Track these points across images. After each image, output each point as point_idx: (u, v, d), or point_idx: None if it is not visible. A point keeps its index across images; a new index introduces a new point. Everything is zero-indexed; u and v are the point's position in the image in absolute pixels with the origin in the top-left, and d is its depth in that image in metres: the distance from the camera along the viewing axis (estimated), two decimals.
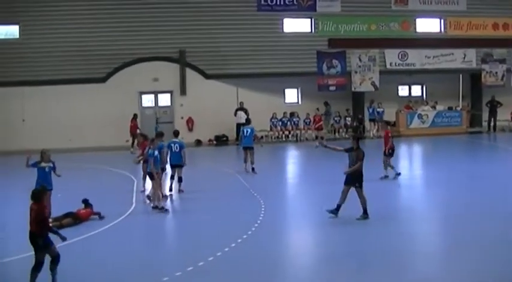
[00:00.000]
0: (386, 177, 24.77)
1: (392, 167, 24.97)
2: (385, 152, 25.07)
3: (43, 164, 18.48)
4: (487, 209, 18.77)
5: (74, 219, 18.13)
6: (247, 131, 28.83)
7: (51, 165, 18.71)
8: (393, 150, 25.22)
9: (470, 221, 17.47)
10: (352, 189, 17.68)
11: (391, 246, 14.92)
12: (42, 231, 12.22)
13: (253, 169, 27.00)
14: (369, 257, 14.33)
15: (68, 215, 18.21)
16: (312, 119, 42.54)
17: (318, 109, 42.23)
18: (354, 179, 17.74)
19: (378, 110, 44.20)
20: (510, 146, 37.68)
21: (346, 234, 16.48)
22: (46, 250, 12.30)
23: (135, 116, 40.36)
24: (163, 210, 19.61)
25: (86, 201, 19.13)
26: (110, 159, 35.14)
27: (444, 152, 35.46)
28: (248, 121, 30.47)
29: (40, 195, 12.61)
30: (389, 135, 25.51)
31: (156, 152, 20.55)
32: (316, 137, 41.48)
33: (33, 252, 12.38)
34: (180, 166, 23.12)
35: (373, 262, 13.89)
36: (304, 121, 43.29)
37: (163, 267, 13.55)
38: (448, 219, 18.11)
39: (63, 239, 12.59)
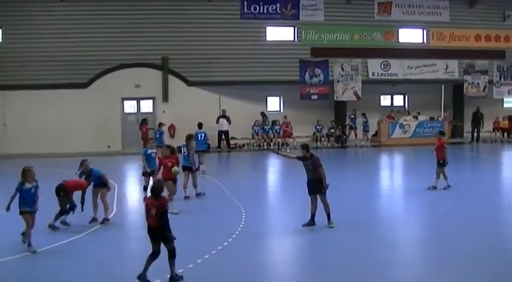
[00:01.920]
0: (434, 188, 24.10)
1: (446, 178, 24.51)
2: (439, 162, 24.68)
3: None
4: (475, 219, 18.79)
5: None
6: (201, 136, 29.57)
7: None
8: (446, 161, 24.78)
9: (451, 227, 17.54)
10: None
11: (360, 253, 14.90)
12: (165, 225, 12.66)
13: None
14: (348, 264, 14.27)
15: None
16: (279, 127, 43.38)
17: (285, 117, 43.79)
18: (317, 187, 17.73)
19: (364, 119, 44.44)
20: (493, 156, 37.93)
21: (324, 239, 16.47)
22: (168, 241, 12.73)
23: (145, 121, 40.48)
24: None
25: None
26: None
27: (427, 162, 35.46)
28: (200, 125, 31.33)
29: (159, 191, 13.01)
30: (444, 145, 25.09)
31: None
32: (283, 144, 41.95)
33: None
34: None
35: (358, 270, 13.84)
36: (274, 129, 43.57)
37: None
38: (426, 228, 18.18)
39: (174, 238, 12.87)
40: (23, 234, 15.80)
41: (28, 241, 15.38)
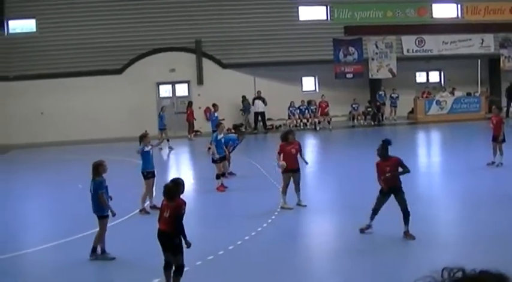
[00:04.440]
0: (493, 163, 23.77)
1: (502, 154, 24.03)
2: (496, 138, 24.30)
3: (145, 148, 18.66)
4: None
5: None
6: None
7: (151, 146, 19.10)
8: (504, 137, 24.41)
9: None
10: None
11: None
12: (178, 231, 11.14)
13: None
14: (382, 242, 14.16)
15: None
16: (317, 105, 43.02)
17: (323, 95, 43.13)
18: None
19: (393, 95, 44.23)
20: None
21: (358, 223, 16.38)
22: (177, 253, 11.26)
23: (190, 104, 40.75)
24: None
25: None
26: (129, 150, 35.17)
27: (464, 139, 35.16)
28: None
29: (174, 191, 11.36)
30: (503, 121, 24.74)
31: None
32: (319, 122, 41.85)
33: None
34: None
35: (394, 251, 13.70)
36: (310, 109, 43.26)
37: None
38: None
39: (189, 245, 11.22)
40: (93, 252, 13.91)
41: (102, 247, 13.95)
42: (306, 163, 19.53)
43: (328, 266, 13.49)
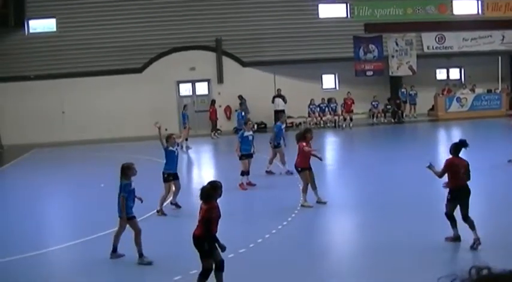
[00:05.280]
0: None
1: None
2: None
3: (170, 148, 18.39)
4: None
5: None
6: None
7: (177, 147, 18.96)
8: None
9: None
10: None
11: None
12: (206, 234, 10.93)
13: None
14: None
15: None
16: (343, 102, 42.78)
17: (349, 92, 42.72)
18: None
19: (411, 92, 44.16)
20: None
21: (379, 220, 16.38)
22: (211, 255, 11.07)
23: (213, 102, 41.33)
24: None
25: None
26: (149, 148, 35.31)
27: (485, 136, 34.92)
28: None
29: (210, 193, 11.04)
30: None
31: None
32: (345, 119, 41.69)
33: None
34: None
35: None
36: (341, 106, 43.02)
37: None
38: None
39: (223, 248, 11.10)
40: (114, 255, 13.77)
41: (139, 251, 13.33)
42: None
43: (348, 264, 13.49)
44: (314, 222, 16.74)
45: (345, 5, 44.51)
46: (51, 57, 41.02)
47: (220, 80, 43.04)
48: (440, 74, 48.41)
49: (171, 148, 18.39)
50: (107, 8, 41.43)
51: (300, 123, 42.89)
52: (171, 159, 18.28)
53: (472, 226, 13.07)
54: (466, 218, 13.16)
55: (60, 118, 41.24)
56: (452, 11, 45.87)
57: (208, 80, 43.56)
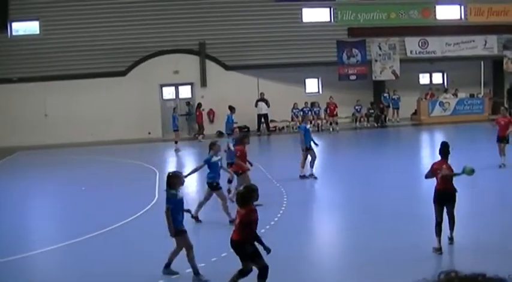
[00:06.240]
0: (504, 165, 23.56)
1: (505, 155, 23.79)
2: (502, 139, 23.95)
3: (214, 158, 17.12)
4: None
5: None
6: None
7: (220, 157, 17.65)
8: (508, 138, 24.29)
9: None
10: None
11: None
12: (247, 238, 10.90)
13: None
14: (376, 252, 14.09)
15: None
16: (326, 107, 43.02)
17: (331, 97, 42.92)
18: None
19: (394, 97, 44.38)
20: None
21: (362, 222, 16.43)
22: (254, 259, 10.98)
23: (199, 105, 41.21)
24: None
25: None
26: (132, 151, 35.33)
27: (468, 140, 35.07)
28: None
29: (248, 198, 10.98)
30: (511, 122, 24.60)
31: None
32: (330, 124, 41.81)
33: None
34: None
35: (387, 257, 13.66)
36: (324, 110, 43.11)
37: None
38: None
39: (268, 250, 11.00)
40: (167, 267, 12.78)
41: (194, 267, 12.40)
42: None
43: (328, 266, 13.52)
44: (297, 225, 16.73)
45: (328, 9, 44.63)
46: (35, 60, 40.80)
47: (203, 83, 43.00)
48: (423, 79, 48.61)
49: (214, 158, 17.32)
50: (90, 11, 41.26)
51: (283, 127, 42.97)
52: (215, 169, 17.24)
53: (452, 226, 13.34)
54: (451, 216, 13.40)
55: (43, 121, 41.05)
56: (435, 15, 46.09)
57: (191, 84, 43.51)
